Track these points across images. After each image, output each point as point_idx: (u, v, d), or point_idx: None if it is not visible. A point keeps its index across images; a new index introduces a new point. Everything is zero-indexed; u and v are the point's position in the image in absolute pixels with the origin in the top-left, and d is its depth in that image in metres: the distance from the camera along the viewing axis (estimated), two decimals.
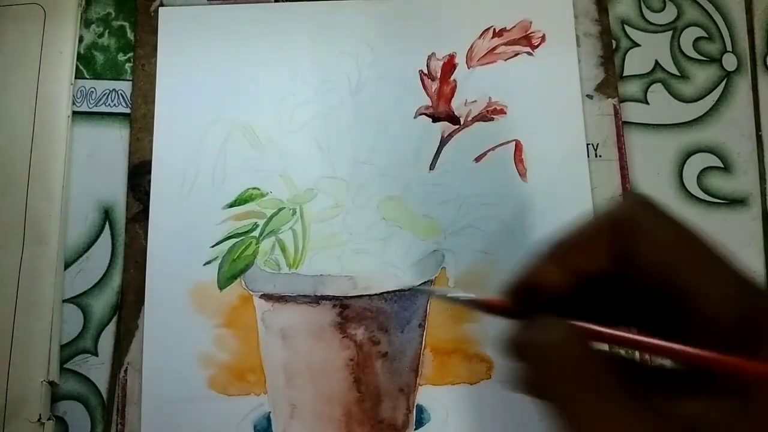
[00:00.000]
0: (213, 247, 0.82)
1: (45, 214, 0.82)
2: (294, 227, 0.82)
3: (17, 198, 0.82)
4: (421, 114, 0.85)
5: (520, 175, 0.83)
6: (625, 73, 0.88)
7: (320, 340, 0.79)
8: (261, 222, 0.82)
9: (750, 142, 0.85)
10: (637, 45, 0.88)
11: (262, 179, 0.83)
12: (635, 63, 0.88)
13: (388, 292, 0.79)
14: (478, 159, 0.84)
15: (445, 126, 0.84)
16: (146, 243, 0.82)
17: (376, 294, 0.79)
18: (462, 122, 0.85)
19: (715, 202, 0.85)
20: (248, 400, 0.79)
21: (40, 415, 0.78)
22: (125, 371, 0.80)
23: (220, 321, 0.80)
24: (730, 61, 0.88)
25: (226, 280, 0.81)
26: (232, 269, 0.81)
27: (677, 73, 0.88)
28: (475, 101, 0.85)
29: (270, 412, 0.79)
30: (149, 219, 0.83)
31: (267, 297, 0.80)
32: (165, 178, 0.84)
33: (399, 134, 0.84)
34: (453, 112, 0.85)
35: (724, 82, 0.87)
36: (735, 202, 0.85)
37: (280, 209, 0.82)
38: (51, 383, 0.79)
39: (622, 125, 0.85)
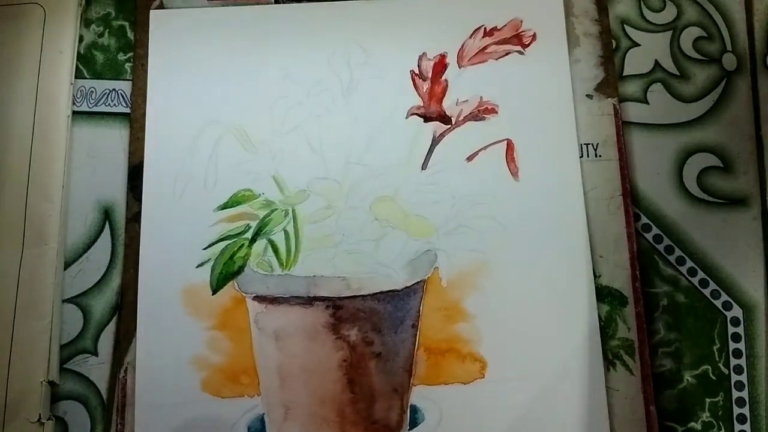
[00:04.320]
0: (205, 249, 0.82)
1: (45, 214, 0.82)
2: (286, 228, 0.82)
3: (17, 198, 0.83)
4: (412, 114, 0.85)
5: (512, 174, 0.84)
6: (625, 73, 0.88)
7: (314, 341, 0.79)
8: (253, 224, 0.82)
9: (750, 142, 0.86)
10: (636, 45, 0.88)
11: (255, 181, 0.83)
12: (635, 63, 0.88)
13: (381, 293, 0.79)
14: (470, 158, 0.84)
15: (437, 126, 0.85)
16: None
17: (369, 294, 0.79)
18: (453, 122, 0.85)
19: (716, 201, 0.85)
20: (242, 402, 0.79)
21: (39, 415, 0.78)
22: (125, 371, 0.80)
23: (212, 323, 0.80)
24: (729, 61, 0.88)
25: (218, 282, 0.81)
26: (225, 271, 0.81)
27: (677, 73, 0.88)
28: (467, 101, 0.85)
29: (264, 414, 0.79)
30: (141, 221, 0.83)
31: (260, 299, 0.80)
32: (157, 179, 0.84)
33: (391, 134, 0.84)
34: (444, 112, 0.85)
35: (723, 82, 0.87)
36: (735, 201, 0.85)
37: (273, 211, 0.82)
38: (51, 383, 0.79)
39: (622, 125, 0.85)
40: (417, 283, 0.80)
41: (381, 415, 0.79)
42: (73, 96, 0.86)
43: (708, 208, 0.84)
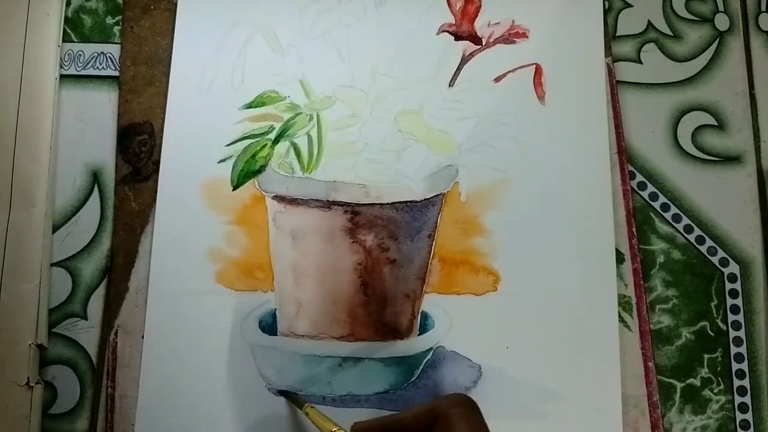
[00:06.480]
0: (228, 145, 0.82)
1: (32, 175, 0.82)
2: (310, 133, 0.83)
3: (4, 160, 0.82)
4: (443, 31, 0.86)
5: (538, 97, 0.85)
6: (618, 33, 0.90)
7: (330, 243, 0.79)
8: (277, 125, 0.83)
9: (743, 100, 0.88)
10: (629, 5, 0.90)
11: (281, 83, 0.84)
12: (628, 23, 0.90)
13: (400, 202, 0.80)
14: (497, 79, 0.85)
15: (467, 45, 0.86)
16: (136, 205, 0.83)
17: (388, 203, 0.80)
18: (484, 43, 0.86)
19: (710, 159, 0.86)
20: (255, 296, 0.79)
21: (28, 378, 0.77)
22: (115, 333, 0.79)
23: (231, 218, 0.81)
24: (722, 21, 0.90)
25: (239, 178, 0.81)
26: (247, 169, 0.81)
27: (670, 33, 0.90)
28: (498, 23, 0.87)
29: (276, 309, 0.79)
30: (166, 111, 0.83)
31: (279, 198, 0.80)
32: (184, 73, 0.85)
33: (420, 49, 0.86)
34: (476, 32, 0.86)
35: (716, 42, 0.90)
36: (730, 159, 0.86)
37: (297, 114, 0.83)
38: (39, 346, 0.78)
39: (616, 84, 0.87)
40: (436, 195, 0.81)
41: (391, 319, 0.79)
42: (61, 59, 0.87)
43: (703, 166, 0.86)
